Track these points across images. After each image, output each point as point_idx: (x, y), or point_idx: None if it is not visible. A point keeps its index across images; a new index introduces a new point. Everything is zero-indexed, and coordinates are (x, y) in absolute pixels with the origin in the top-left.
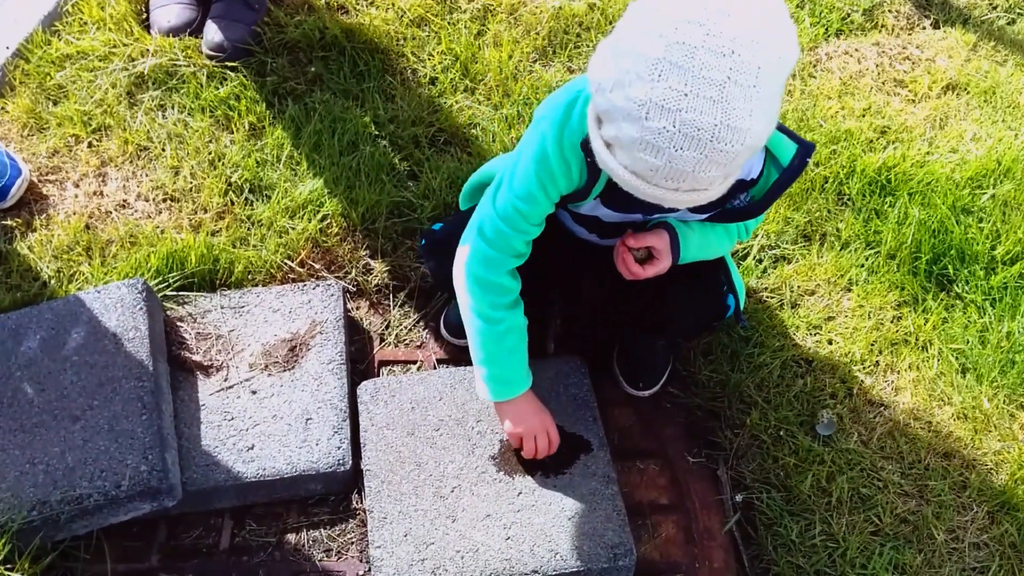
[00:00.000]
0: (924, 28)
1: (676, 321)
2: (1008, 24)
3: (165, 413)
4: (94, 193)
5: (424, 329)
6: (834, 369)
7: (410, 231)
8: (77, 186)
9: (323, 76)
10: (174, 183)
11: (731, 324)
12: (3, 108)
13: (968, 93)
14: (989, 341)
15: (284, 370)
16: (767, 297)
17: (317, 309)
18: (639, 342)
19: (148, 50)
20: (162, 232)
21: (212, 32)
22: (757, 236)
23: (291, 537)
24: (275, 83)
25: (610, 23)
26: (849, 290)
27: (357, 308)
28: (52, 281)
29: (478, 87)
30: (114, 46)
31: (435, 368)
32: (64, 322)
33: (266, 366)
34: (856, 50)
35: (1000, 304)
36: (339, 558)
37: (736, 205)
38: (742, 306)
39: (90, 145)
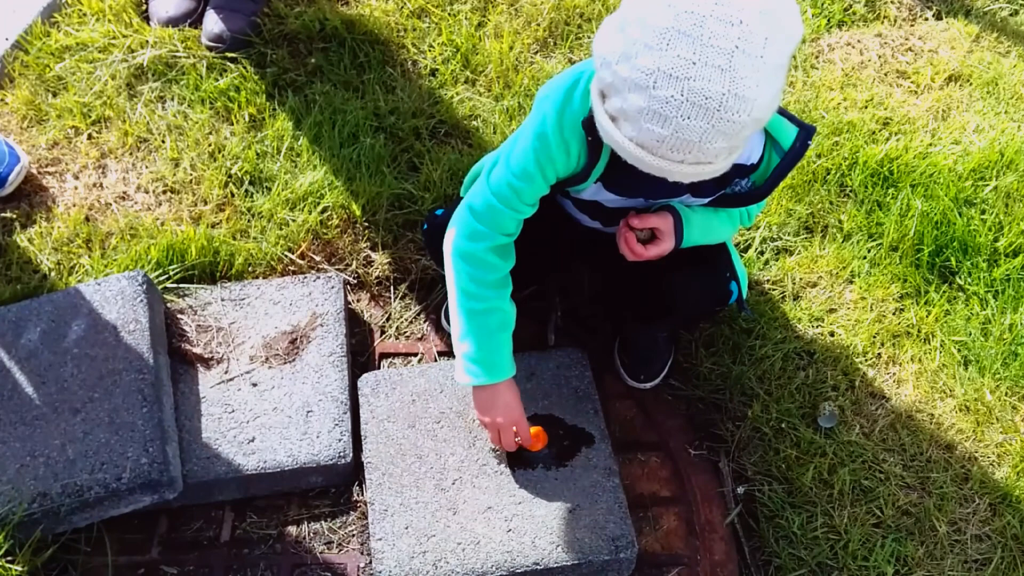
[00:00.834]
0: (927, 19)
1: (678, 307)
2: (1011, 15)
3: (166, 405)
4: (94, 185)
5: (425, 321)
6: (836, 361)
7: (411, 223)
8: (77, 178)
9: (323, 67)
10: (174, 175)
11: (733, 314)
12: (2, 100)
13: (971, 84)
14: (991, 333)
15: (285, 362)
16: (769, 289)
17: (318, 301)
18: (640, 333)
19: (147, 41)
20: (162, 224)
21: (212, 23)
22: (759, 228)
23: (292, 529)
24: (275, 74)
25: (611, 13)
26: (851, 282)
27: (358, 300)
28: (52, 273)
29: (479, 78)
30: (113, 37)
31: (436, 360)
32: (64, 314)
33: (267, 358)
34: (858, 41)
35: (1003, 296)
36: (340, 550)
37: (738, 190)
38: (744, 294)
39: (90, 137)
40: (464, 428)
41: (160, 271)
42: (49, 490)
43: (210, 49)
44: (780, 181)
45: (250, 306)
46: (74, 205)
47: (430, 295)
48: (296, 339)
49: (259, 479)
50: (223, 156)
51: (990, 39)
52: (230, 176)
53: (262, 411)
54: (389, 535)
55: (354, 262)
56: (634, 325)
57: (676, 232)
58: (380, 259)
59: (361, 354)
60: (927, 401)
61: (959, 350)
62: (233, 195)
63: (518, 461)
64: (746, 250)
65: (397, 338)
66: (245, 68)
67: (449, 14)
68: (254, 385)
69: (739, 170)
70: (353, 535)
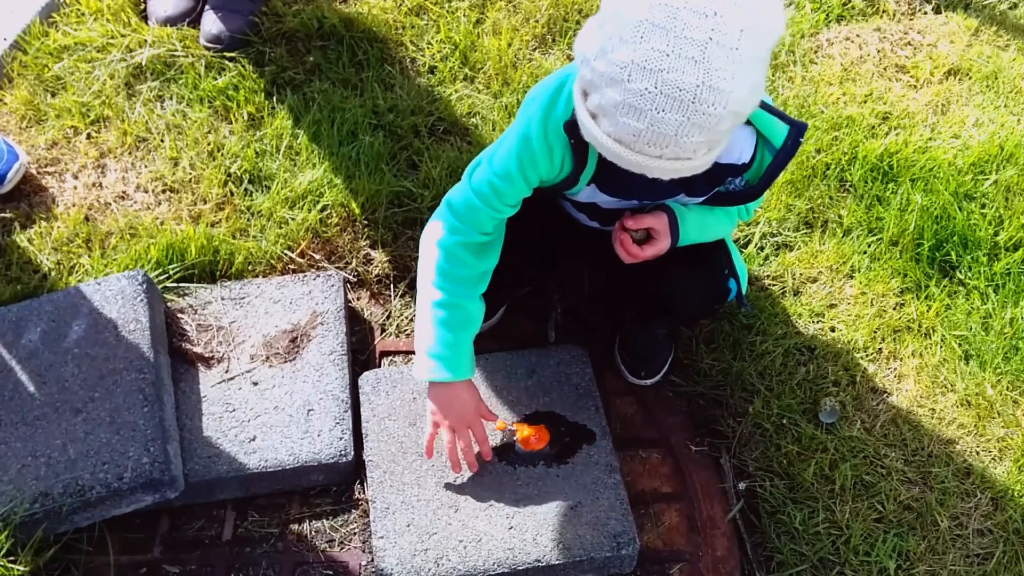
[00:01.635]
0: (926, 13)
1: (676, 306)
2: (1010, 8)
3: (167, 405)
4: (93, 185)
5: None
6: (837, 357)
7: (410, 221)
8: (76, 178)
9: (322, 66)
10: (173, 174)
11: (733, 310)
12: (1, 100)
13: (970, 78)
14: (992, 327)
15: (285, 361)
16: (769, 285)
17: (318, 300)
18: (641, 330)
19: (146, 40)
20: (162, 223)
21: (210, 22)
22: (758, 223)
23: (294, 528)
24: (274, 73)
25: None
26: (851, 277)
27: (358, 298)
28: (52, 273)
29: (477, 76)
30: (112, 37)
31: None
32: (64, 314)
33: (267, 357)
34: (857, 35)
35: (1003, 290)
36: (342, 548)
37: (732, 188)
38: (744, 290)
39: (89, 136)
40: None
41: (160, 270)
42: (51, 490)
43: (208, 48)
44: (774, 179)
45: (250, 305)
46: (74, 205)
47: None
48: (296, 338)
49: (260, 478)
50: (222, 155)
51: (989, 33)
52: (229, 175)
53: (263, 410)
54: (391, 533)
55: (354, 260)
56: (633, 324)
57: (672, 231)
58: (380, 257)
59: (361, 352)
60: (928, 396)
61: (960, 345)
62: (232, 194)
63: (521, 458)
64: (746, 246)
65: (397, 336)
66: (244, 67)
67: (447, 11)
68: (255, 384)
69: (731, 169)
70: (355, 533)
